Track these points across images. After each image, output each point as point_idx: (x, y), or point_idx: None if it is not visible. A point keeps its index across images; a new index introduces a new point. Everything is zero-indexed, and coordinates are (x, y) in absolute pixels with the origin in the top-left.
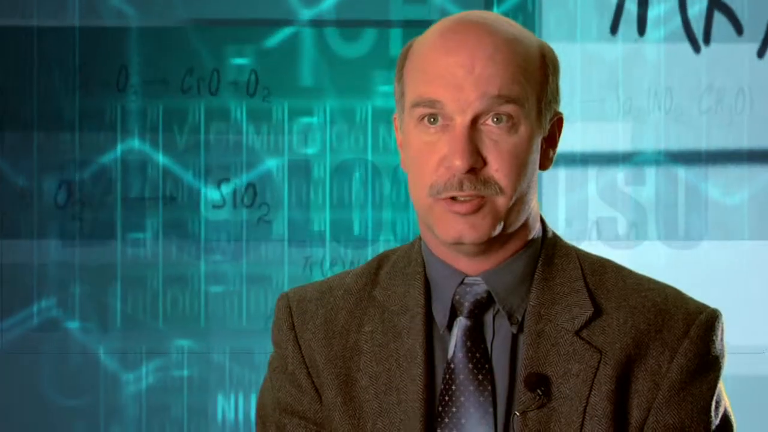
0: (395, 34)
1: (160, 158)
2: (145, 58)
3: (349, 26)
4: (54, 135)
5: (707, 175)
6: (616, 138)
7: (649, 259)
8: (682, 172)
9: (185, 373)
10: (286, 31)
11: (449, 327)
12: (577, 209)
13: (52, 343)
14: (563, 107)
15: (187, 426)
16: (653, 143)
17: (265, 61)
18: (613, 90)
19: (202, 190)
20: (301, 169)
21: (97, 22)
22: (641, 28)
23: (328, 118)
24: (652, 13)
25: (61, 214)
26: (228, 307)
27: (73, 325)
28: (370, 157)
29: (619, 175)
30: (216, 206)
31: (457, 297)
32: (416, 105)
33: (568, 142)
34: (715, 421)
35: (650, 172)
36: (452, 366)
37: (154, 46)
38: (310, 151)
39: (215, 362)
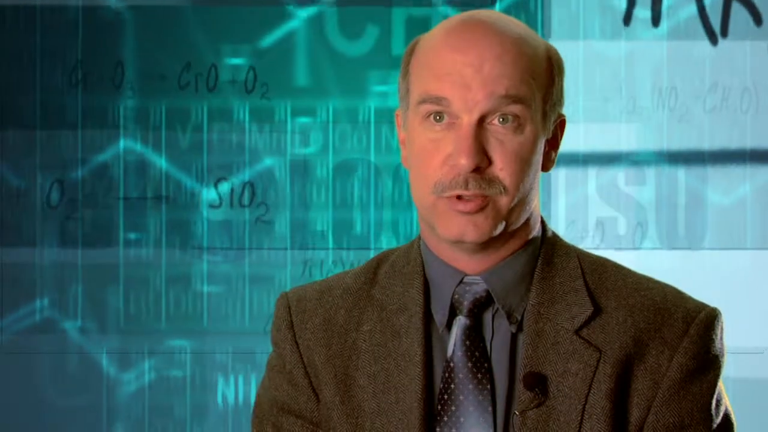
0: (397, 32)
1: (157, 157)
2: (142, 53)
3: (350, 5)
4: (53, 133)
5: (709, 176)
6: (618, 137)
7: (650, 259)
8: (683, 172)
9: (183, 373)
10: (284, 28)
11: (448, 326)
12: (577, 209)
13: (51, 344)
14: (566, 106)
15: (190, 426)
16: (655, 143)
17: (264, 57)
18: (617, 88)
19: (200, 190)
20: (300, 169)
21: (95, 14)
22: (656, 18)
23: (330, 118)
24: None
25: (57, 214)
26: (230, 307)
27: (72, 325)
28: (372, 157)
29: (620, 174)
30: (213, 206)
31: (456, 296)
32: (423, 101)
33: (570, 141)
34: (716, 420)
35: (651, 172)
36: (451, 365)
37: (152, 39)
38: (310, 150)
39: (215, 362)
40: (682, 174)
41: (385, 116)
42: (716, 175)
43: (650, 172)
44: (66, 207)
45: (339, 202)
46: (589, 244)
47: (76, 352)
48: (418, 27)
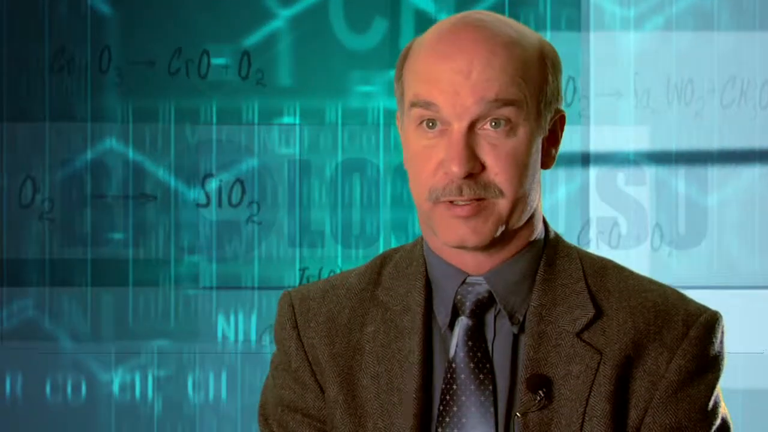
0: (406, 28)
1: (152, 156)
2: (130, 39)
3: None
4: (63, 126)
5: (712, 175)
6: (626, 136)
7: (650, 259)
8: (684, 172)
9: (181, 374)
10: (279, 22)
11: (451, 326)
12: (576, 209)
13: (47, 344)
14: (573, 103)
15: (196, 427)
16: (661, 142)
17: (261, 49)
18: (627, 85)
19: (192, 188)
20: (306, 168)
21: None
22: None
23: (340, 119)
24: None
25: (33, 214)
26: (238, 306)
27: (63, 326)
28: (380, 157)
29: (620, 174)
30: (202, 205)
31: (458, 297)
32: (413, 105)
33: (573, 140)
34: (714, 422)
35: (653, 172)
36: (453, 365)
37: (139, 23)
38: (316, 148)
39: (214, 363)
40: (683, 173)
41: (392, 115)
42: (720, 175)
43: (651, 172)
44: (35, 206)
45: (347, 202)
46: (588, 244)
47: (67, 353)
48: (428, 21)
